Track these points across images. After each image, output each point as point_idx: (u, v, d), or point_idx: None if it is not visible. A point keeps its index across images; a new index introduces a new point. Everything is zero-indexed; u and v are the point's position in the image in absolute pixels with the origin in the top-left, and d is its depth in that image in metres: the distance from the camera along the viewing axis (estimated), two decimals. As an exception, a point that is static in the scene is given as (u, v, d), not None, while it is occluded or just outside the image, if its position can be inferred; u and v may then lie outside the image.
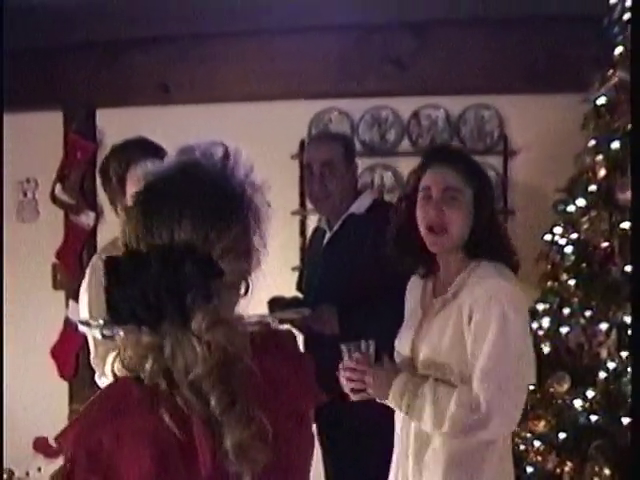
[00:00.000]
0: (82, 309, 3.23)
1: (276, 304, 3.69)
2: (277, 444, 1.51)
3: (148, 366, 1.49)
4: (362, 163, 5.15)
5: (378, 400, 2.71)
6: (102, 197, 5.53)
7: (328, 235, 3.84)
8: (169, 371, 1.49)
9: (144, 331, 1.49)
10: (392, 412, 2.74)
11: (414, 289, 2.90)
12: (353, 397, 2.77)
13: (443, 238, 2.64)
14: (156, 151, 3.15)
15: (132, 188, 3.03)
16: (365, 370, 2.70)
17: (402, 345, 2.80)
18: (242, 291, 1.60)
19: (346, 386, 2.76)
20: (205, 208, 1.52)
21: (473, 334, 2.56)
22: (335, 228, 3.80)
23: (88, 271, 3.25)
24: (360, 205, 3.79)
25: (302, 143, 5.13)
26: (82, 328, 3.05)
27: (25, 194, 5.67)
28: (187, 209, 1.50)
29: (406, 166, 5.13)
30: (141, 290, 1.46)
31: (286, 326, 3.38)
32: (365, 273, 3.56)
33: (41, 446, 5.47)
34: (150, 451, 1.47)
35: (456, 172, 2.66)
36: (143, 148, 3.22)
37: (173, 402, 1.48)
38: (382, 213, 3.71)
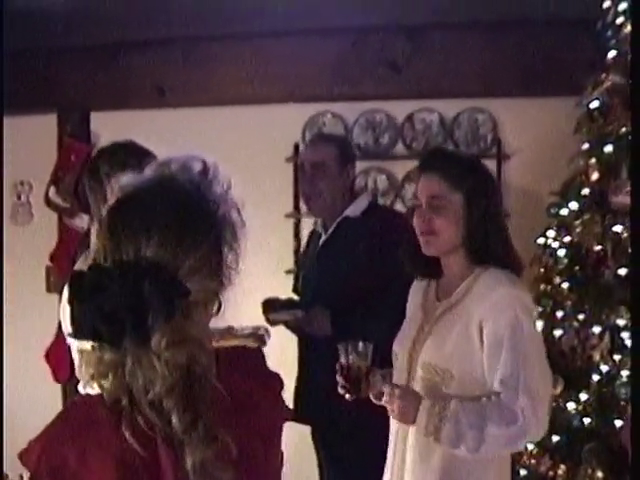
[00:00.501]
0: (65, 317, 3.19)
1: (270, 305, 3.70)
2: (242, 463, 1.48)
3: (108, 384, 1.47)
4: (356, 167, 5.17)
5: (401, 423, 2.68)
6: (96, 200, 5.55)
7: (323, 238, 3.83)
8: (130, 389, 1.46)
9: (106, 348, 1.45)
10: (387, 414, 2.75)
11: (416, 292, 2.90)
12: (348, 397, 2.78)
13: (434, 242, 2.69)
14: (145, 156, 3.14)
15: (113, 197, 3.05)
16: (387, 390, 2.64)
17: (401, 347, 2.79)
18: (214, 310, 1.56)
19: (341, 386, 2.77)
20: (174, 225, 1.48)
21: (488, 345, 2.56)
22: (330, 231, 3.79)
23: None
24: (356, 208, 3.78)
25: (296, 146, 5.14)
26: (69, 339, 3.03)
27: (19, 197, 5.67)
28: (156, 225, 1.47)
29: (400, 170, 5.15)
30: (101, 306, 1.41)
31: (253, 344, 3.36)
32: (359, 276, 3.56)
33: (35, 449, 5.46)
34: (114, 470, 1.44)
35: (444, 179, 2.68)
36: (134, 152, 3.19)
37: (135, 421, 1.45)
38: (377, 217, 3.74)
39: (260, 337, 3.46)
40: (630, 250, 3.15)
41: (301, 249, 4.71)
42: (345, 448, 3.60)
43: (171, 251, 1.46)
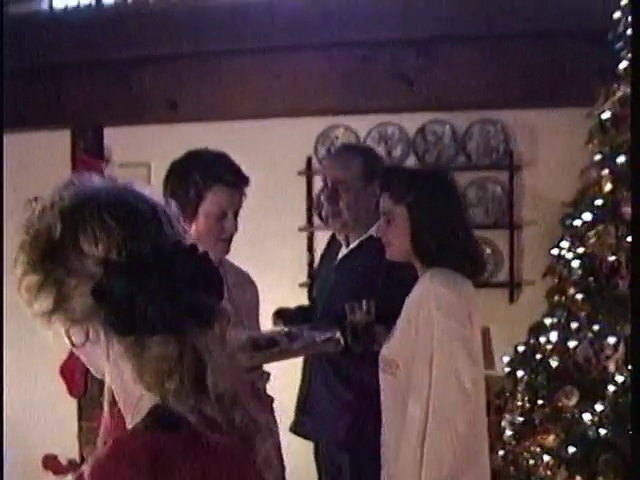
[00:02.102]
0: None
1: (280, 316, 3.66)
2: None
3: (174, 383, 1.29)
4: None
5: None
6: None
7: (344, 251, 3.68)
8: (194, 385, 1.29)
9: (169, 341, 1.29)
10: None
11: None
12: (357, 350, 3.18)
13: (390, 251, 3.05)
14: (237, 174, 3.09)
15: (211, 207, 3.01)
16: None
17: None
18: None
19: (351, 341, 3.18)
20: None
21: (416, 339, 2.85)
22: (352, 246, 3.64)
23: None
24: None
25: (309, 160, 5.16)
26: None
27: (34, 212, 5.69)
28: None
29: (413, 182, 5.15)
30: (170, 294, 1.29)
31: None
32: (376, 296, 3.48)
33: (50, 464, 5.47)
34: None
35: (388, 196, 3.01)
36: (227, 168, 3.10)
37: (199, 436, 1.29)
38: None
39: (337, 341, 3.40)
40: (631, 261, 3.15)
41: (315, 262, 4.68)
42: (347, 464, 3.55)
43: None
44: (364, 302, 3.17)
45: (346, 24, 4.64)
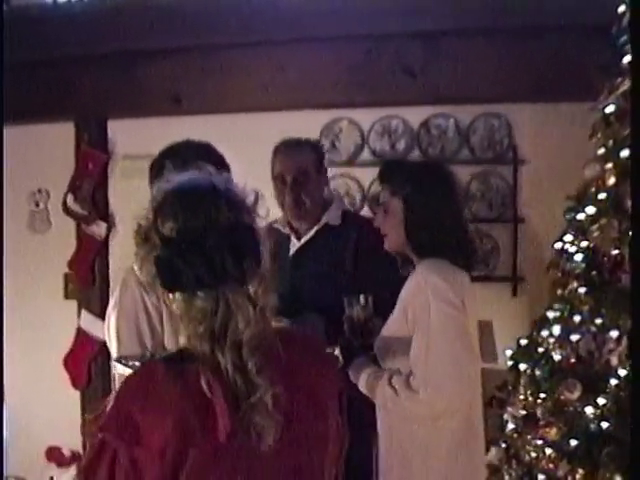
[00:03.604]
0: (111, 329, 3.02)
1: None
2: (287, 422, 1.73)
3: (201, 329, 1.71)
4: (373, 172, 5.17)
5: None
6: (113, 208, 5.59)
7: (299, 243, 3.77)
8: (216, 335, 1.70)
9: (198, 296, 1.71)
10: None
11: None
12: (355, 343, 3.22)
13: (387, 241, 3.17)
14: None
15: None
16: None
17: None
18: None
19: (348, 335, 3.23)
20: None
21: (410, 328, 2.94)
22: (308, 237, 3.74)
23: (119, 288, 3.04)
24: (334, 215, 3.77)
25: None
26: (118, 367, 2.75)
27: (37, 204, 5.70)
28: None
29: (416, 175, 5.15)
30: (204, 253, 1.68)
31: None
32: (348, 282, 3.57)
33: (54, 456, 5.49)
34: (172, 426, 1.66)
35: (385, 188, 3.15)
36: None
37: (196, 380, 1.68)
38: (357, 224, 3.75)
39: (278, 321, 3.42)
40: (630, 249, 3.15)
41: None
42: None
43: (236, 213, 1.78)
44: (362, 296, 3.22)
45: (350, 17, 4.64)
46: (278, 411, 1.69)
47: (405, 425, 2.99)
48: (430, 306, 2.85)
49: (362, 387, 3.05)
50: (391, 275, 3.25)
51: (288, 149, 3.88)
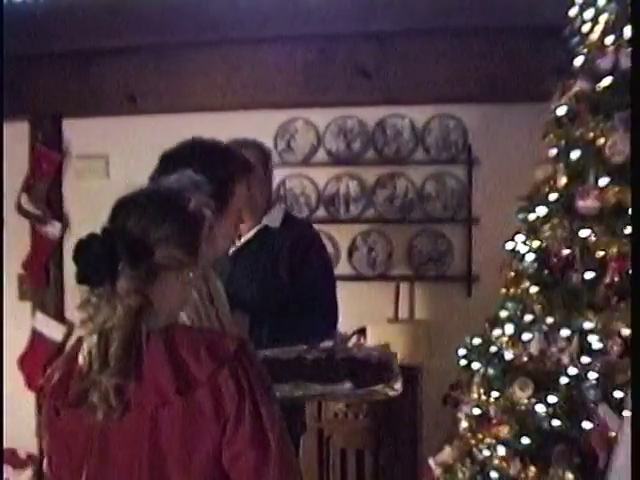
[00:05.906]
0: None
1: None
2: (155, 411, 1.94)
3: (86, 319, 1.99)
4: (328, 172, 5.20)
5: None
6: (68, 208, 5.55)
7: (239, 242, 3.77)
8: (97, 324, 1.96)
9: (91, 292, 1.97)
10: None
11: None
12: None
13: None
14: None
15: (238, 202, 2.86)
16: None
17: None
18: (186, 279, 2.06)
19: None
20: (150, 208, 2.03)
21: None
22: (248, 238, 3.77)
23: None
24: (274, 218, 3.79)
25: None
26: None
27: (-10, 204, 5.65)
28: (137, 208, 2.02)
29: (372, 175, 5.18)
30: (88, 258, 1.92)
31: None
32: (279, 285, 3.65)
33: (9, 457, 5.45)
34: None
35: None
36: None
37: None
38: (297, 228, 3.79)
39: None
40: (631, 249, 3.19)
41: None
42: None
43: (143, 225, 1.98)
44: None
45: (304, 17, 4.65)
46: (120, 399, 1.91)
47: None
48: None
49: None
50: (323, 280, 3.42)
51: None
